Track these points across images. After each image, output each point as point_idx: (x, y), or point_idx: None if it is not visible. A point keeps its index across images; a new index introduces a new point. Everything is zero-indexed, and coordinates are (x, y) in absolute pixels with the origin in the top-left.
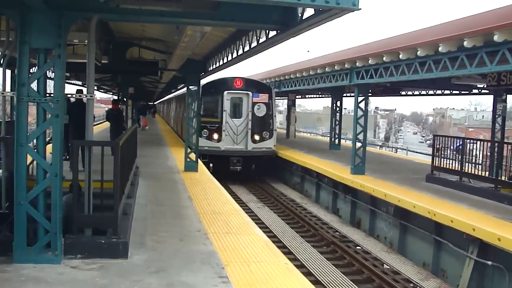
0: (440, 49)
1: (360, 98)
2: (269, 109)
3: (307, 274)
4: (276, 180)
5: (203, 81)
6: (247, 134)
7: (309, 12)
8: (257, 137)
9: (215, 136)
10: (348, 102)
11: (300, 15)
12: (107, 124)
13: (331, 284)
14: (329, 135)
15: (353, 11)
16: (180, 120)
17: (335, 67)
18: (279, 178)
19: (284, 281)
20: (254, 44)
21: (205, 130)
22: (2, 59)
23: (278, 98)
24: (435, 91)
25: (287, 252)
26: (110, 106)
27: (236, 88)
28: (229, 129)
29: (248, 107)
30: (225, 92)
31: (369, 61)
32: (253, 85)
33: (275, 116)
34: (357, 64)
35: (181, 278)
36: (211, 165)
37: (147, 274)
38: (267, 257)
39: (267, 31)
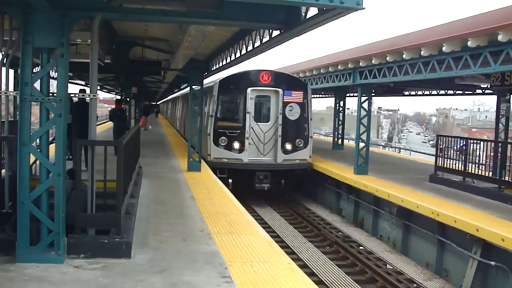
0: (443, 49)
1: (363, 98)
2: (304, 110)
3: (310, 274)
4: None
5: (222, 75)
6: (276, 142)
7: (313, 11)
8: (289, 146)
9: (236, 145)
10: (351, 102)
11: (303, 14)
12: (110, 124)
13: (334, 284)
14: (332, 135)
15: (357, 11)
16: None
17: (339, 67)
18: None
19: (287, 281)
20: (257, 43)
21: (222, 138)
22: (5, 59)
23: None
24: (438, 91)
25: (290, 252)
26: (113, 106)
27: (263, 83)
28: (253, 136)
29: (278, 108)
30: (249, 89)
31: (373, 61)
32: (284, 80)
33: (311, 119)
34: (360, 64)
35: (184, 278)
36: (230, 181)
37: (150, 274)
38: (270, 257)
39: (271, 30)
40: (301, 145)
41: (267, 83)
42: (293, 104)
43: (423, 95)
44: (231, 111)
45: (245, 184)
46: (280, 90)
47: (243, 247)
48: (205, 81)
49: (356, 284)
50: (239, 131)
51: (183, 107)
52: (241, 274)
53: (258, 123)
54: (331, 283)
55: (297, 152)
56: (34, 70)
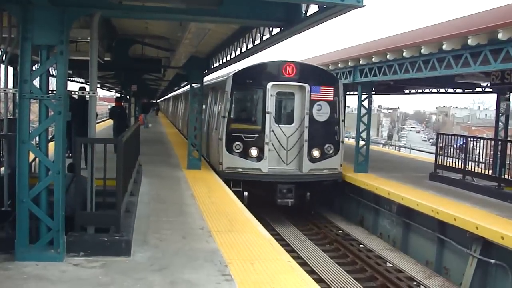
0: (444, 47)
1: (363, 96)
2: (334, 110)
3: (310, 272)
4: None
5: (235, 67)
6: (301, 148)
7: (313, 9)
8: (316, 153)
9: (253, 152)
10: (351, 100)
11: (304, 12)
12: (109, 122)
13: (334, 282)
14: None
15: (357, 8)
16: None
17: (339, 65)
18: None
19: (287, 279)
20: (257, 41)
21: (237, 143)
22: (4, 56)
23: None
24: (438, 90)
25: (290, 250)
26: (113, 104)
27: (286, 77)
28: (274, 142)
29: (304, 107)
30: (269, 85)
31: (373, 59)
32: (311, 73)
33: (343, 121)
34: (360, 62)
35: (184, 276)
36: (245, 194)
37: (150, 272)
38: (270, 255)
39: (271, 28)
40: (331, 151)
41: (291, 77)
42: (321, 102)
43: (423, 93)
44: (247, 111)
45: (265, 198)
46: (306, 85)
47: (243, 245)
48: (215, 75)
49: (356, 282)
50: (257, 135)
51: (186, 106)
52: (241, 272)
53: (280, 126)
54: (331, 281)
55: (326, 160)
56: (33, 68)
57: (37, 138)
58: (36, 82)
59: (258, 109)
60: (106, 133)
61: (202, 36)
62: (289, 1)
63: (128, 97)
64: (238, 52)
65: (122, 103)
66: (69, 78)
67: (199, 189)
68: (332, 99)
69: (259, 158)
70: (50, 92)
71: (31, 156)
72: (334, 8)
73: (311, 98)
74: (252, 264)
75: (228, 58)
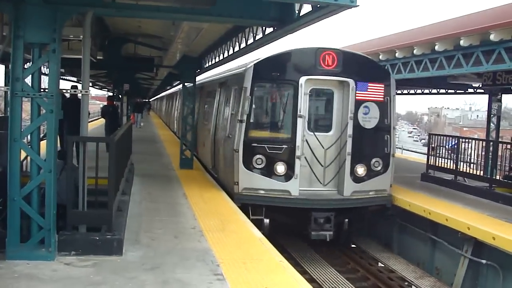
0: (436, 47)
1: None
2: (385, 114)
3: (302, 272)
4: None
5: (255, 56)
6: (343, 164)
7: (307, 8)
8: (361, 171)
9: (280, 168)
10: None
11: (297, 11)
12: (101, 121)
13: (326, 282)
14: None
15: (350, 8)
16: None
17: None
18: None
19: (279, 278)
20: (250, 41)
21: (259, 157)
22: None
23: None
24: (430, 90)
25: (281, 251)
26: (105, 103)
27: (323, 70)
28: (308, 155)
29: (347, 109)
30: (302, 79)
31: None
32: (357, 65)
33: (394, 128)
34: None
35: (176, 275)
36: (266, 221)
37: (141, 271)
38: (261, 254)
39: (264, 27)
40: (379, 167)
41: (331, 70)
42: (369, 103)
43: (415, 93)
44: (272, 114)
45: (295, 228)
46: (351, 81)
47: (235, 244)
48: (228, 66)
49: (348, 283)
50: (285, 146)
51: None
52: (233, 271)
53: (315, 133)
54: (323, 281)
55: (373, 180)
56: (25, 66)
57: (29, 136)
58: (28, 80)
59: (287, 111)
60: (98, 132)
61: (195, 35)
62: (282, 0)
63: (120, 96)
64: (231, 52)
65: (114, 102)
66: (61, 77)
67: (191, 189)
68: (382, 99)
69: (288, 176)
70: (42, 90)
71: (23, 154)
72: (328, 8)
73: (357, 98)
74: (244, 264)
75: (221, 57)
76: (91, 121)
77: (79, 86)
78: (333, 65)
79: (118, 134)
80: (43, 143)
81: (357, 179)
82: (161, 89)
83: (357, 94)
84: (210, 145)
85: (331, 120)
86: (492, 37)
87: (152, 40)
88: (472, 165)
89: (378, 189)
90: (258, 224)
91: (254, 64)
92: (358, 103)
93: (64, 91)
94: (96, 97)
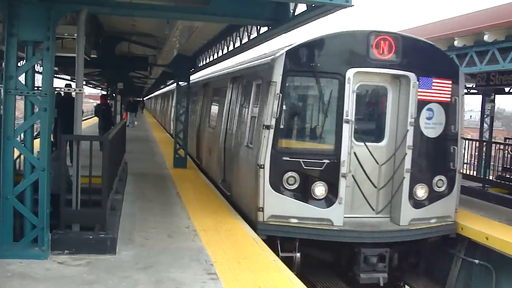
0: None
1: None
2: (451, 118)
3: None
4: None
5: (282, 43)
6: (401, 184)
7: (301, 8)
8: (422, 193)
9: (319, 190)
10: None
11: (292, 11)
12: (95, 120)
13: (319, 281)
14: None
15: (345, 8)
16: (202, 133)
17: None
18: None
19: (272, 278)
20: (245, 40)
21: (291, 175)
22: None
23: None
24: None
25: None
26: (99, 102)
27: (378, 60)
28: (357, 171)
29: (405, 112)
30: (350, 72)
31: None
32: (419, 54)
33: (461, 136)
34: None
35: (170, 275)
36: (297, 256)
37: (135, 270)
38: (256, 254)
39: (259, 27)
40: (443, 188)
41: (387, 60)
42: (434, 105)
43: None
44: (308, 118)
45: (336, 267)
46: (412, 75)
47: (229, 244)
48: (235, 60)
49: (341, 281)
50: (326, 161)
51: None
52: (227, 271)
53: (366, 144)
54: (315, 280)
55: (435, 204)
56: (19, 64)
57: (22, 134)
58: (22, 78)
59: (329, 114)
60: (91, 131)
61: (189, 34)
62: (278, 0)
63: (114, 94)
64: (225, 51)
65: (108, 101)
66: (55, 75)
67: (185, 188)
68: (449, 99)
69: (329, 201)
70: (36, 88)
71: (16, 153)
72: (323, 7)
73: (419, 97)
74: (238, 263)
75: (215, 56)
76: (85, 119)
77: (73, 84)
78: (390, 54)
79: (111, 133)
80: (37, 142)
81: (416, 204)
82: (155, 88)
83: (419, 92)
84: (219, 155)
85: (383, 126)
86: (486, 37)
87: (146, 38)
88: (465, 165)
89: (441, 215)
90: (288, 261)
91: (287, 52)
92: (421, 105)
93: (58, 89)
94: (90, 95)
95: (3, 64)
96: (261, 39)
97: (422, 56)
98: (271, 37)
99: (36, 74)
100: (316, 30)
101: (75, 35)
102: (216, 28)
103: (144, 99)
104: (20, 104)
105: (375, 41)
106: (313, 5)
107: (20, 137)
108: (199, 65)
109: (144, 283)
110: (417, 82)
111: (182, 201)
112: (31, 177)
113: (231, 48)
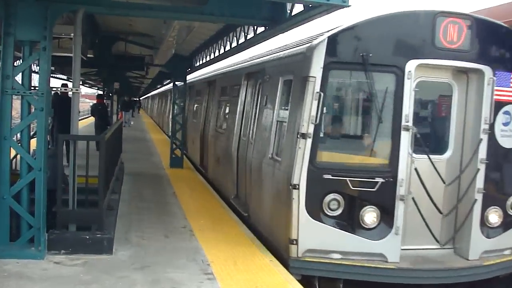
0: None
1: None
2: None
3: None
4: None
5: (320, 28)
6: (471, 209)
7: (298, 8)
8: (495, 218)
9: (370, 217)
10: None
11: (289, 11)
12: (91, 120)
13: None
14: None
15: (342, 8)
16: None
17: None
18: None
19: (269, 278)
20: (242, 40)
21: (333, 198)
22: None
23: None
24: None
25: None
26: (95, 101)
27: (444, 49)
28: (417, 193)
29: (478, 116)
30: (411, 64)
31: None
32: (495, 41)
33: None
34: None
35: (167, 275)
36: None
37: (132, 270)
38: (252, 254)
39: (255, 27)
40: None
41: (456, 49)
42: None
43: None
44: (355, 124)
45: None
46: (487, 69)
47: (226, 243)
48: (268, 45)
49: None
50: (380, 180)
51: (189, 107)
52: (224, 271)
53: (430, 156)
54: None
55: (510, 232)
56: (15, 63)
57: (19, 134)
58: (19, 78)
59: (384, 118)
60: (88, 131)
61: (186, 34)
62: (275, 0)
63: (110, 94)
64: (222, 51)
65: (104, 100)
66: (52, 75)
67: (181, 188)
68: None
69: (383, 230)
70: (32, 88)
71: (13, 152)
72: (320, 7)
73: (495, 97)
74: (235, 263)
75: (212, 56)
76: (81, 119)
77: (70, 84)
78: (459, 42)
79: (108, 133)
80: (33, 141)
81: (490, 232)
82: (151, 87)
83: (496, 91)
84: (231, 165)
85: (447, 134)
86: None
87: (143, 38)
88: None
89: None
90: None
91: (328, 38)
92: (497, 107)
93: (55, 89)
94: (86, 95)
95: (0, 63)
96: (258, 39)
97: (500, 45)
98: (268, 37)
99: (32, 74)
100: (315, 30)
101: (72, 34)
102: (213, 28)
103: (141, 98)
104: (16, 103)
105: (442, 25)
106: (310, 6)
107: (17, 137)
108: (196, 65)
109: (141, 283)
110: (493, 78)
111: (178, 201)
112: (28, 177)
113: (228, 48)
